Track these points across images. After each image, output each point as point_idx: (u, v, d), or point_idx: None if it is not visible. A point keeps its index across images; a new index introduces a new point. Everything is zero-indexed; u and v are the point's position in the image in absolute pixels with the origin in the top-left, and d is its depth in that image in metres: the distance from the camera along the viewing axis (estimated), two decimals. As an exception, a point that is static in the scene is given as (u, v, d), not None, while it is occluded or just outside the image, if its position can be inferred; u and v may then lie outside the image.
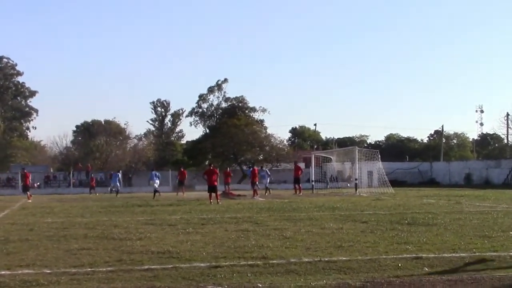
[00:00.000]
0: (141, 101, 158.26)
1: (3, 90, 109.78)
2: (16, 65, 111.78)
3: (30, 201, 39.18)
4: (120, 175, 54.08)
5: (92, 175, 65.76)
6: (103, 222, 19.79)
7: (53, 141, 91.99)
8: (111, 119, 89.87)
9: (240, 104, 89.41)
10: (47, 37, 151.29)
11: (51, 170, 79.78)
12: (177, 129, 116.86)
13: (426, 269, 10.07)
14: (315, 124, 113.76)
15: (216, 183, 32.59)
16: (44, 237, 15.35)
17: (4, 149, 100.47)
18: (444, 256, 11.44)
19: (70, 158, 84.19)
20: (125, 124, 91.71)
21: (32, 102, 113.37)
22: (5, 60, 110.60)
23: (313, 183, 51.51)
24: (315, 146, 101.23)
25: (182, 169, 50.75)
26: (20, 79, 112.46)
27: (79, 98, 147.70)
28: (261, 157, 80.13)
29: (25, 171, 47.03)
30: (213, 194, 31.69)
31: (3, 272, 10.11)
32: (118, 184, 51.00)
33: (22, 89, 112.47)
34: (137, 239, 14.44)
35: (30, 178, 45.05)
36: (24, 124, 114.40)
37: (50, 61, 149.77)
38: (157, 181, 44.65)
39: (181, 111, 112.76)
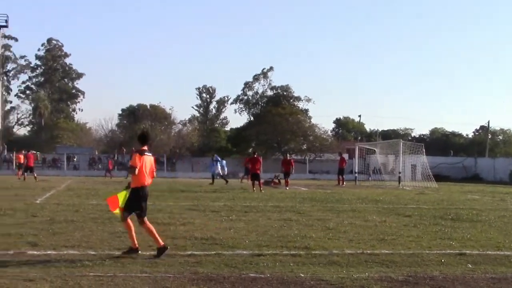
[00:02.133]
0: (187, 87, 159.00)
1: (51, 71, 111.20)
2: (63, 46, 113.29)
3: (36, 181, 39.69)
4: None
5: (110, 158, 65.94)
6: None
7: (98, 124, 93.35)
8: (156, 104, 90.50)
9: (285, 93, 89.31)
10: (95, 20, 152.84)
11: (96, 153, 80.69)
12: (222, 116, 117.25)
13: (470, 265, 9.94)
14: (359, 116, 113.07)
15: (259, 171, 32.73)
16: (89, 219, 15.58)
17: (50, 130, 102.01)
18: (488, 253, 11.29)
19: (115, 141, 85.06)
20: (170, 109, 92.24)
21: (79, 84, 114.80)
22: (53, 42, 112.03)
23: (356, 174, 51.20)
24: (359, 138, 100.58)
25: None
26: (67, 60, 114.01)
27: (126, 82, 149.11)
28: (304, 146, 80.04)
29: (29, 152, 46.88)
30: (256, 182, 31.88)
31: (49, 252, 10.29)
32: None
33: (69, 71, 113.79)
34: (180, 225, 14.56)
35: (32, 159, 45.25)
36: (70, 106, 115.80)
37: (97, 43, 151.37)
38: (219, 167, 43.69)
39: (226, 98, 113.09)
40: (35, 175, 43.36)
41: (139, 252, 10.21)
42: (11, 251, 10.35)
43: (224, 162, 45.77)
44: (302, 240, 12.34)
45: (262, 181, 33.67)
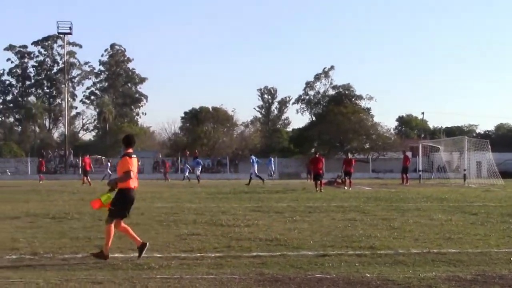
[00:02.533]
0: (248, 88, 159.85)
1: (115, 76, 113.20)
2: (125, 51, 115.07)
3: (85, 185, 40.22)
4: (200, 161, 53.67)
5: (166, 161, 66.50)
6: (211, 208, 20.13)
7: (162, 127, 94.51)
8: (218, 106, 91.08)
9: (346, 92, 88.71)
10: (156, 23, 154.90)
11: (160, 156, 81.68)
12: (283, 117, 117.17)
13: (541, 264, 9.70)
14: (422, 113, 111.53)
15: (321, 172, 32.69)
16: (155, 221, 15.78)
17: (115, 135, 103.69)
18: (561, 251, 11.00)
19: (178, 144, 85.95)
20: (232, 111, 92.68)
21: (142, 88, 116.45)
22: (116, 47, 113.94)
23: (420, 173, 50.48)
24: (422, 135, 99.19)
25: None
26: (130, 65, 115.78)
27: (188, 85, 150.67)
28: (367, 145, 79.34)
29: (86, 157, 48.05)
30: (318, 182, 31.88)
31: (116, 255, 10.47)
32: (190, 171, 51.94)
33: (132, 76, 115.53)
34: (245, 226, 14.62)
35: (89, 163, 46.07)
36: (134, 110, 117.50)
37: (159, 47, 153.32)
38: (256, 167, 43.47)
39: (287, 99, 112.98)
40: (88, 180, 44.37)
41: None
42: (79, 255, 10.58)
43: (259, 161, 45.75)
44: (367, 240, 12.25)
45: (325, 181, 33.55)
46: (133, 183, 10.46)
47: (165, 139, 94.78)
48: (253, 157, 44.92)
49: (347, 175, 36.48)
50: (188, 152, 72.85)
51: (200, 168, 50.22)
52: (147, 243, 10.45)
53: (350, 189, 33.04)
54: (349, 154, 40.32)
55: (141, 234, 13.11)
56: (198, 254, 10.50)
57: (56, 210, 19.02)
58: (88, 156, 49.84)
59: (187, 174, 52.75)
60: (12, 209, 19.39)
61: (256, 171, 42.98)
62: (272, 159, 55.25)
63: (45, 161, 71.67)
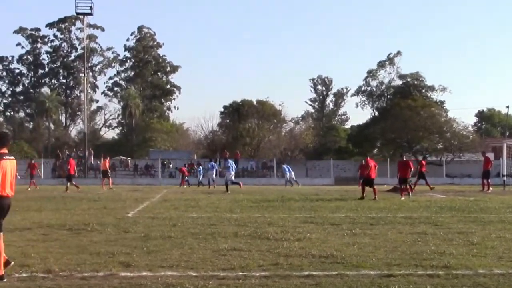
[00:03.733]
0: (299, 78, 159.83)
1: (142, 64, 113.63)
2: (155, 35, 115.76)
3: (68, 191, 40.37)
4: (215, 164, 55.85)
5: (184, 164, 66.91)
6: (256, 218, 20.15)
7: (197, 124, 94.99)
8: (264, 99, 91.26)
9: (415, 82, 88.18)
10: (189, 4, 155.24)
11: (195, 157, 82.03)
12: (340, 111, 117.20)
13: None
14: (507, 107, 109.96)
15: (374, 176, 32.63)
16: (189, 234, 15.86)
17: (142, 132, 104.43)
18: None
19: (217, 144, 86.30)
20: (280, 105, 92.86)
21: (174, 78, 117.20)
22: (144, 30, 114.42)
23: (505, 178, 49.75)
24: (507, 133, 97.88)
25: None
26: (160, 51, 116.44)
27: (228, 75, 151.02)
28: (440, 145, 78.69)
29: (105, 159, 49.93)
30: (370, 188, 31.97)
31: (144, 273, 10.51)
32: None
33: (163, 64, 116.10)
34: (295, 240, 14.60)
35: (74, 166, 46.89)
36: (165, 104, 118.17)
37: (194, 31, 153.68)
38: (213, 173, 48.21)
39: (345, 90, 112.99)
40: (109, 184, 45.07)
41: (5, 280, 9.95)
42: (101, 273, 10.65)
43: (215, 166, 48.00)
44: (440, 257, 12.13)
45: (388, 187, 33.34)
46: (6, 189, 10.13)
47: (201, 138, 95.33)
48: (284, 166, 47.90)
49: (403, 182, 35.38)
50: (227, 153, 73.12)
51: (214, 172, 52.69)
52: (11, 262, 10.47)
53: (403, 198, 32.39)
54: (403, 156, 39.70)
55: (172, 248, 13.22)
56: (240, 273, 10.50)
57: (73, 221, 19.26)
58: (72, 158, 51.54)
59: (201, 178, 54.03)
60: (23, 219, 19.64)
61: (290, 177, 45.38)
62: (287, 167, 56.86)
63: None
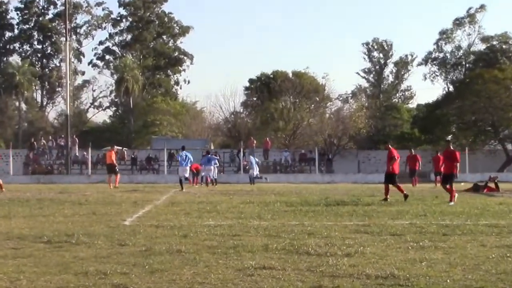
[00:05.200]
0: (348, 43, 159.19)
1: (142, 25, 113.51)
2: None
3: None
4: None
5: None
6: (291, 227, 20.14)
7: (214, 103, 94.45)
8: (302, 71, 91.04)
9: (503, 46, 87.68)
10: None
11: (212, 147, 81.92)
12: (403, 86, 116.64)
13: None
14: None
15: (455, 171, 32.40)
16: (204, 248, 15.85)
17: (143, 114, 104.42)
18: None
19: (240, 129, 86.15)
20: (323, 78, 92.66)
21: (185, 43, 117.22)
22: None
23: None
24: None
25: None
26: (166, 8, 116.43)
27: (255, 40, 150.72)
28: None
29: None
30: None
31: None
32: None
33: (169, 24, 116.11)
34: (343, 255, 14.57)
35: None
36: (172, 77, 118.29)
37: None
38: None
39: (410, 58, 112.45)
40: (116, 182, 45.48)
41: None
42: (90, 298, 10.73)
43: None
44: (538, 279, 12.06)
45: (467, 186, 33.14)
46: None
47: (219, 121, 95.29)
48: (252, 158, 49.38)
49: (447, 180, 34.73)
50: (255, 141, 73.13)
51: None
52: None
53: (452, 203, 31.95)
54: (412, 150, 39.02)
55: (183, 267, 13.24)
56: (272, 299, 10.53)
57: (53, 230, 19.31)
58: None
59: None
60: (-14, 229, 19.81)
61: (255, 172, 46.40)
62: (255, 160, 57.40)
63: (37, 154, 73.34)
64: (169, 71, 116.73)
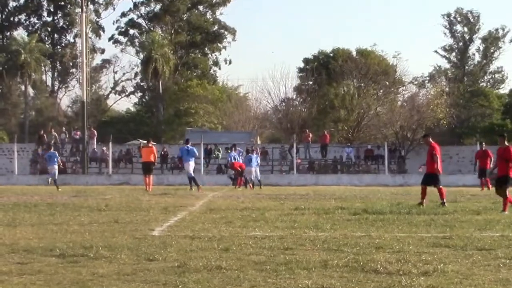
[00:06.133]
0: (425, 15, 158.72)
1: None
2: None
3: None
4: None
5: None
6: (356, 239, 20.10)
7: (261, 88, 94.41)
8: (368, 48, 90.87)
9: None
10: None
11: (258, 141, 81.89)
12: (492, 67, 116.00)
13: None
14: None
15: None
16: (250, 264, 15.83)
17: (175, 101, 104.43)
18: None
19: (293, 120, 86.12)
20: (394, 57, 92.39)
21: (225, 15, 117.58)
22: None
23: None
24: None
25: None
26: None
27: (311, 11, 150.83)
28: None
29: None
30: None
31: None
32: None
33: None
34: (420, 274, 14.50)
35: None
36: (210, 56, 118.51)
37: None
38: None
39: (501, 32, 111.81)
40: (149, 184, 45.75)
41: None
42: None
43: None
44: None
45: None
46: None
47: (268, 110, 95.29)
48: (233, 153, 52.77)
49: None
50: (310, 134, 73.16)
51: (253, 168, 53.91)
52: None
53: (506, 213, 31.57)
54: (483, 145, 38.64)
55: (224, 286, 13.26)
56: (333, 328, 10.55)
57: (66, 242, 19.42)
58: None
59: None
60: (-12, 239, 19.96)
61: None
62: (233, 153, 57.38)
63: (47, 149, 73.76)
64: (206, 48, 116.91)
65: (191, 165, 47.30)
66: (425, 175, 34.43)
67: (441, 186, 33.34)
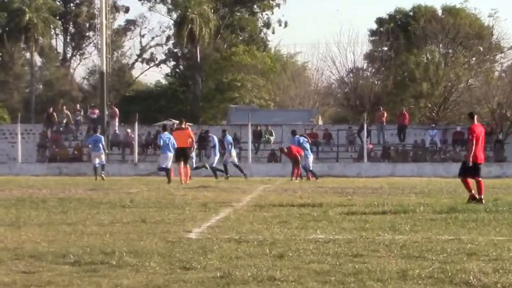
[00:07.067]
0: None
1: None
2: None
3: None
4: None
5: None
6: (442, 244, 20.03)
7: (324, 56, 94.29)
8: (457, 6, 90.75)
9: None
10: None
11: (320, 121, 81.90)
12: None
13: None
14: None
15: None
16: (310, 273, 15.83)
17: (217, 72, 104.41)
18: None
19: (363, 95, 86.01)
20: (490, 17, 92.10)
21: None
22: None
23: None
24: None
25: None
26: None
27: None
28: None
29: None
30: None
31: None
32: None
33: None
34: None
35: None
36: (260, 17, 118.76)
37: None
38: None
39: None
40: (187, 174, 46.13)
41: None
42: None
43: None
44: None
45: None
46: None
47: (332, 83, 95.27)
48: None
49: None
50: (385, 113, 73.15)
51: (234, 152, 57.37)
52: None
53: None
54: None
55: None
56: None
57: (82, 246, 19.48)
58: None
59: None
60: (-12, 242, 20.06)
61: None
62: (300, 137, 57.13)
63: (58, 132, 73.97)
64: (255, 6, 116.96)
65: (169, 156, 47.77)
66: (462, 166, 33.91)
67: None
